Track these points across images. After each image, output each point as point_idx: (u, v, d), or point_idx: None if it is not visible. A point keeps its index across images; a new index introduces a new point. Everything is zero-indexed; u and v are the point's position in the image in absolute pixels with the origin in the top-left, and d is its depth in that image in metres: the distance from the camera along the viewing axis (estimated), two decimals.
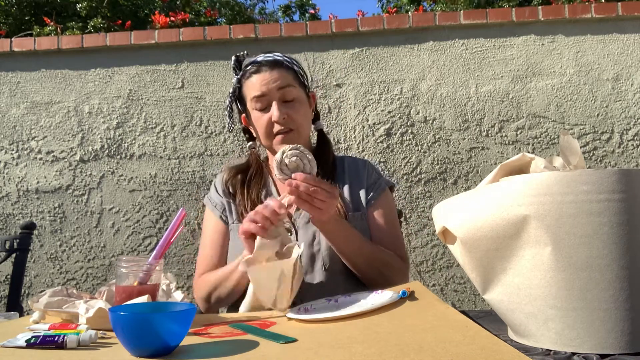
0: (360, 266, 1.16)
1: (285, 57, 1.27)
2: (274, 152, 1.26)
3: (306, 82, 1.31)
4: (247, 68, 1.25)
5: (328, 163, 1.30)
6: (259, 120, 1.23)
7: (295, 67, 1.28)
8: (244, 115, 1.32)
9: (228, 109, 1.31)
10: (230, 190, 1.30)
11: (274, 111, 1.19)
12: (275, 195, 1.27)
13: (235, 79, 1.28)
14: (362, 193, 1.28)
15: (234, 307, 1.24)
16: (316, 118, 1.36)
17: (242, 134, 1.35)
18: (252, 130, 1.31)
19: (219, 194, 1.32)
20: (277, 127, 1.21)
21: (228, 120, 1.31)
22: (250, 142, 1.35)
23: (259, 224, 0.97)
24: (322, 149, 1.33)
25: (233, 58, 1.28)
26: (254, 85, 1.22)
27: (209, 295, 1.20)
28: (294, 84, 1.24)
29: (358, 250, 1.15)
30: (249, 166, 1.33)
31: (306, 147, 1.24)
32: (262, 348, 0.67)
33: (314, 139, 1.39)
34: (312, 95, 1.33)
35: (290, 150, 1.03)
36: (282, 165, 1.03)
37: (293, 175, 1.01)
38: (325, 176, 1.23)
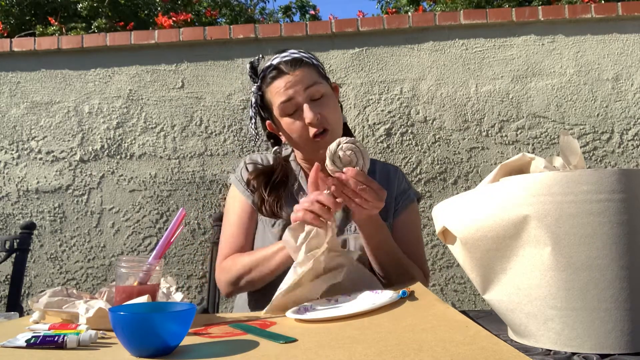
0: (388, 272, 1.13)
1: (302, 53, 1.22)
2: (308, 154, 1.23)
3: (327, 75, 1.26)
4: (267, 73, 1.19)
5: None
6: (292, 126, 1.17)
7: (315, 62, 1.23)
8: (269, 122, 1.26)
9: (253, 120, 1.24)
10: (251, 187, 1.25)
11: (307, 113, 1.13)
12: (308, 192, 1.24)
13: (254, 87, 1.22)
14: (391, 203, 1.24)
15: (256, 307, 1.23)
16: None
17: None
18: (282, 136, 1.25)
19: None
20: (312, 129, 1.15)
21: (253, 133, 1.24)
22: (276, 147, 1.30)
23: (315, 215, 0.96)
24: None
25: (248, 66, 1.23)
26: (278, 90, 1.16)
27: (240, 278, 1.16)
28: (319, 81, 1.18)
29: (390, 256, 1.13)
30: (274, 170, 1.27)
31: None
32: (262, 348, 0.67)
33: None
34: (336, 87, 1.28)
35: (346, 142, 0.99)
36: (335, 157, 0.99)
37: (344, 170, 0.97)
38: None
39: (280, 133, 1.25)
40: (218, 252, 1.27)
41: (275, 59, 1.20)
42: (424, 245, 1.29)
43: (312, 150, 1.18)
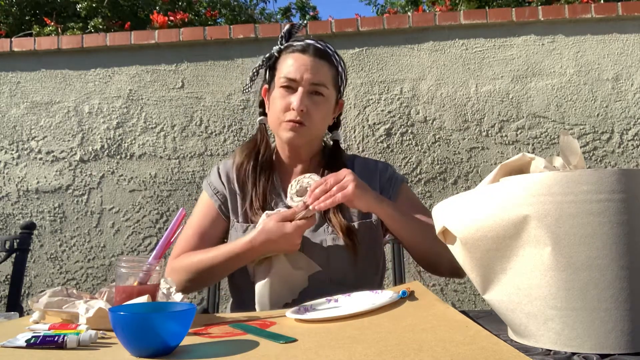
0: (419, 241, 1.12)
1: (335, 53, 1.23)
2: (274, 132, 1.23)
3: (341, 88, 1.26)
4: (295, 44, 1.20)
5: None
6: (279, 99, 1.17)
7: (340, 68, 1.23)
8: (266, 86, 1.25)
9: (254, 70, 1.24)
10: (243, 177, 1.23)
11: (296, 98, 1.14)
12: (282, 195, 1.23)
13: (277, 47, 1.22)
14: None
15: (237, 307, 1.23)
16: (335, 127, 1.30)
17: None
18: (267, 105, 1.25)
19: (222, 182, 1.25)
20: (291, 114, 1.15)
21: (248, 82, 1.25)
22: (261, 117, 1.28)
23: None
24: (333, 160, 1.27)
25: (288, 26, 1.22)
26: (292, 64, 1.17)
27: (188, 280, 1.15)
28: (328, 85, 1.19)
29: (413, 224, 1.12)
30: (257, 146, 1.26)
31: (314, 149, 1.27)
32: (262, 348, 0.67)
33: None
34: (341, 102, 1.28)
35: (291, 184, 1.12)
36: (293, 197, 1.10)
37: (307, 202, 1.06)
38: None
39: (267, 101, 1.25)
40: (172, 248, 1.24)
41: (310, 39, 1.21)
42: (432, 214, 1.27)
43: (280, 132, 1.19)
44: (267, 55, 1.23)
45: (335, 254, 1.15)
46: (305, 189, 1.09)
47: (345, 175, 1.04)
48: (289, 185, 1.12)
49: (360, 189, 1.03)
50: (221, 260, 1.11)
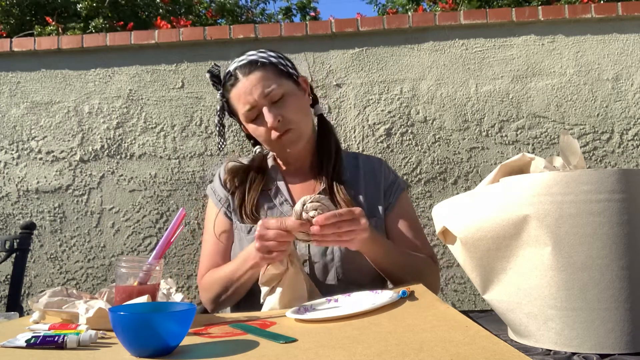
0: (397, 275, 1.12)
1: (260, 54, 1.19)
2: (278, 154, 1.24)
3: (290, 70, 1.21)
4: (226, 80, 1.19)
5: (330, 152, 1.24)
6: (257, 131, 1.18)
7: (273, 60, 1.19)
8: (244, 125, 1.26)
9: (218, 127, 1.25)
10: (229, 187, 1.25)
11: (267, 117, 1.13)
12: (286, 193, 1.23)
13: (219, 94, 1.22)
14: (379, 197, 1.23)
15: (237, 307, 1.24)
16: (314, 102, 1.28)
17: (233, 137, 1.32)
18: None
19: (223, 185, 1.27)
20: (274, 133, 1.16)
21: (219, 139, 1.25)
22: (258, 147, 1.29)
23: (275, 254, 0.97)
24: (323, 136, 1.27)
25: (208, 75, 1.22)
26: (238, 98, 1.16)
27: (218, 297, 1.17)
28: (277, 81, 1.15)
29: (394, 260, 1.11)
30: (251, 168, 1.27)
31: (310, 137, 1.23)
32: (262, 348, 0.67)
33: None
34: (303, 80, 1.24)
35: (310, 202, 0.97)
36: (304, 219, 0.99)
37: (314, 222, 0.94)
38: (329, 167, 1.20)
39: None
40: (198, 268, 1.27)
41: (233, 65, 1.19)
42: (423, 230, 1.27)
43: (280, 150, 1.21)
44: (218, 106, 1.23)
45: (343, 258, 1.15)
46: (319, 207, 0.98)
47: (360, 218, 0.96)
48: (302, 202, 0.99)
49: (369, 238, 1.00)
50: (247, 269, 1.10)
